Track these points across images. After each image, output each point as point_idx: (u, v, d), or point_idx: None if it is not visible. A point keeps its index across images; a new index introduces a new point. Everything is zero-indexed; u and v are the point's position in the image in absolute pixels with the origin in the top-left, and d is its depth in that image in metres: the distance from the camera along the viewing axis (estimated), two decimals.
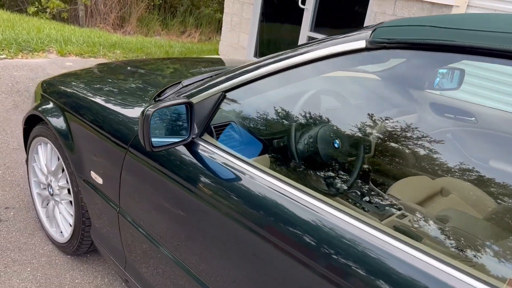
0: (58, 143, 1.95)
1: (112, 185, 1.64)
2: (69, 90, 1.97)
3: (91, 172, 1.76)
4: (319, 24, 5.87)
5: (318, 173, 1.30)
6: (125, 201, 1.59)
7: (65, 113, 1.88)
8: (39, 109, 2.04)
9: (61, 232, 2.14)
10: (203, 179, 1.26)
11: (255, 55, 6.84)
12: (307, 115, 1.50)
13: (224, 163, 1.25)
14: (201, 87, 1.41)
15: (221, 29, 7.34)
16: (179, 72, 2.35)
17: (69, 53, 6.14)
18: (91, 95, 1.83)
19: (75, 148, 1.82)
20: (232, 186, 1.18)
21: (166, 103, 1.24)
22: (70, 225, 2.06)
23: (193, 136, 1.34)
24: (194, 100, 1.35)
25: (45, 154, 2.16)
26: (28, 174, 2.35)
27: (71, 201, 2.08)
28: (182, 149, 1.35)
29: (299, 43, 6.11)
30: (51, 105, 2.00)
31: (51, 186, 2.14)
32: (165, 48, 7.22)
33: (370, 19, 5.12)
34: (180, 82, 1.83)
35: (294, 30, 6.13)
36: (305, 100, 1.51)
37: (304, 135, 1.37)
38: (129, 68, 2.36)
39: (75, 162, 1.83)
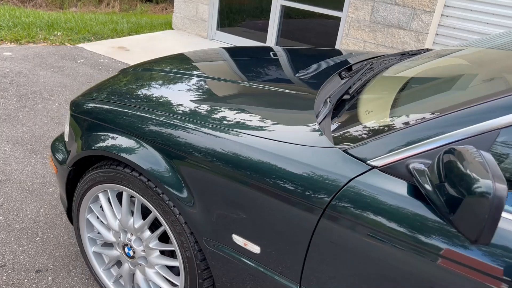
0: (151, 194, 1.41)
1: (285, 256, 1.18)
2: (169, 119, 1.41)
3: (234, 236, 1.27)
4: None
5: None
6: (312, 279, 1.16)
7: (170, 155, 1.34)
8: (106, 146, 1.46)
9: None
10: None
11: (217, 28, 6.23)
12: None
13: None
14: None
15: None
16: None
17: (1, 40, 5.08)
18: (229, 128, 1.30)
19: (196, 202, 1.31)
20: None
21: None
22: None
23: None
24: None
25: (116, 206, 1.59)
26: (77, 228, 1.75)
27: (168, 266, 1.56)
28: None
29: (271, 11, 5.63)
30: (129, 140, 1.43)
31: (130, 246, 1.59)
32: (108, 25, 6.30)
33: None
34: (326, 100, 1.37)
35: None
36: None
37: None
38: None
39: (197, 221, 1.32)
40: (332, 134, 1.20)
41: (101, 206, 1.69)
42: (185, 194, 1.32)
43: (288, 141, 1.20)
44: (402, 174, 1.02)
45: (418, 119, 1.06)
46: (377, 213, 1.01)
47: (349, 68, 1.81)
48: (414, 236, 0.97)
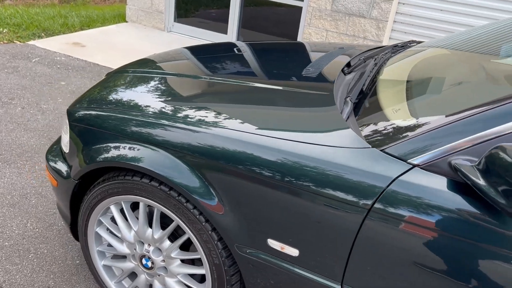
0: (173, 203, 1.38)
1: (327, 257, 1.20)
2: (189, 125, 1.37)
3: (269, 240, 1.28)
4: None
5: None
6: (356, 277, 1.19)
7: (196, 162, 1.31)
8: (121, 156, 1.40)
9: None
10: None
11: (175, 20, 6.09)
12: None
13: None
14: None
15: None
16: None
17: None
18: (254, 125, 1.29)
19: (228, 209, 1.29)
20: None
21: None
22: None
23: None
24: None
25: (131, 217, 1.53)
26: (84, 242, 1.67)
27: (190, 274, 1.54)
28: None
29: (231, 1, 5.57)
30: (146, 149, 1.38)
31: (148, 257, 1.55)
32: (58, 20, 5.96)
33: None
34: (346, 98, 1.39)
35: None
36: None
37: None
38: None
39: (228, 228, 1.31)
40: (363, 134, 1.22)
41: (111, 218, 1.62)
42: (214, 201, 1.30)
43: (322, 143, 1.21)
44: (444, 171, 1.06)
45: (455, 116, 1.10)
46: (422, 212, 1.05)
47: (348, 64, 1.85)
48: (463, 233, 1.02)
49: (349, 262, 1.18)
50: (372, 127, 1.24)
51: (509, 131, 1.01)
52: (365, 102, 1.40)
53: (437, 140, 1.08)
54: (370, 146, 1.16)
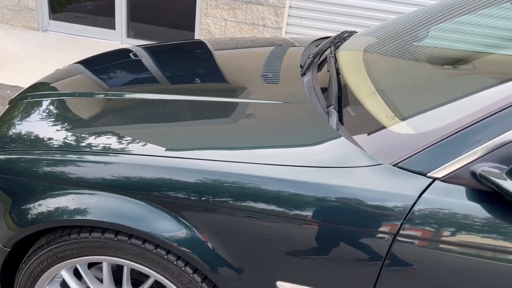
0: (150, 258, 1.13)
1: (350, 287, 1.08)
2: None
3: (278, 283, 1.11)
4: None
5: None
6: None
7: (172, 204, 1.08)
8: (72, 211, 1.11)
9: None
10: None
11: (51, 17, 5.39)
12: None
13: None
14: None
15: None
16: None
17: None
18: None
19: (223, 256, 1.10)
20: None
21: None
22: None
23: None
24: None
25: (91, 279, 1.24)
26: None
27: None
28: None
29: None
30: (81, 195, 1.10)
31: None
32: None
33: None
34: (329, 107, 1.27)
35: None
36: None
37: None
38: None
39: (224, 276, 1.11)
40: (365, 149, 1.11)
41: (62, 283, 1.30)
42: (205, 249, 1.09)
43: (326, 165, 1.07)
44: (467, 181, 1.00)
45: (466, 120, 1.04)
46: (453, 227, 0.99)
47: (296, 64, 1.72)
48: (499, 244, 0.97)
49: (377, 285, 1.08)
50: (373, 140, 1.13)
51: None
52: (349, 110, 1.30)
53: (454, 148, 1.01)
54: (382, 163, 1.05)
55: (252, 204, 1.05)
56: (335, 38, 1.93)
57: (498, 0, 1.67)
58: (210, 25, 4.89)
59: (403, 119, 1.16)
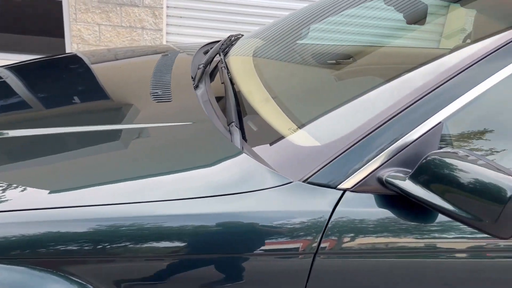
0: None
1: None
2: None
3: None
4: None
5: None
6: None
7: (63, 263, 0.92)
8: None
9: None
10: None
11: None
12: None
13: None
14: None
15: None
16: None
17: None
18: None
19: None
20: None
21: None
22: None
23: None
24: None
25: None
26: None
27: None
28: None
29: None
30: None
31: None
32: None
33: None
34: (230, 125, 1.21)
35: None
36: None
37: None
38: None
39: None
40: (273, 167, 1.07)
41: None
42: None
43: (235, 191, 1.00)
44: (376, 188, 1.01)
45: (366, 127, 1.05)
46: (369, 234, 1.00)
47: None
48: (412, 243, 1.00)
49: None
50: (281, 156, 1.09)
51: (423, 133, 1.01)
52: (251, 125, 1.24)
53: (358, 157, 1.02)
54: (292, 180, 1.02)
55: (155, 244, 0.94)
56: (222, 44, 1.87)
57: None
58: (82, 31, 4.51)
59: (306, 130, 1.14)
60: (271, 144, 1.14)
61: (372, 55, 1.78)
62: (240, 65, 1.62)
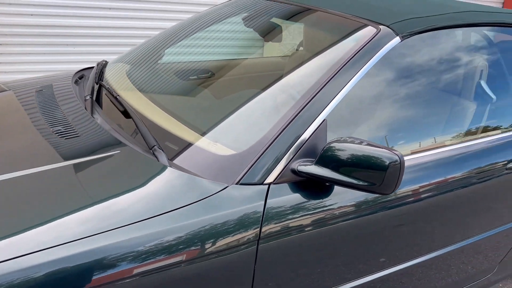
0: None
1: None
2: None
3: None
4: None
5: None
6: None
7: None
8: None
9: None
10: None
11: None
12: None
13: None
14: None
15: None
16: None
17: None
18: None
19: None
20: None
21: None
22: None
23: None
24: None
25: None
26: None
27: None
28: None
29: None
30: None
31: None
32: None
33: None
34: (153, 148, 1.33)
35: None
36: None
37: None
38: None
39: None
40: (206, 177, 1.24)
41: None
42: None
43: (172, 208, 1.14)
44: (291, 178, 1.28)
45: (272, 132, 1.31)
46: (295, 213, 1.26)
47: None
48: (322, 213, 1.30)
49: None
50: (209, 167, 1.27)
51: (316, 127, 1.32)
52: (170, 145, 1.38)
53: (273, 156, 1.27)
54: (227, 185, 1.22)
55: None
56: (96, 73, 1.90)
57: (231, 16, 2.03)
58: None
59: (221, 142, 1.34)
60: (197, 159, 1.31)
61: (238, 67, 2.07)
62: (128, 91, 1.71)
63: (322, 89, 1.38)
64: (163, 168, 1.25)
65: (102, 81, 1.83)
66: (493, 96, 1.90)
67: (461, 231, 1.72)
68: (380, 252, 1.49)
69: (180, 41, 2.07)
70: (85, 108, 1.60)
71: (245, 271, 1.21)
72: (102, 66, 2.01)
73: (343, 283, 1.45)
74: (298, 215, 1.26)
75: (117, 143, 1.36)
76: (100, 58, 2.38)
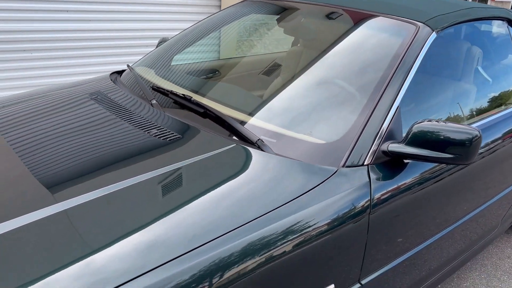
0: None
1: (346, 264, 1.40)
2: None
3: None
4: None
5: None
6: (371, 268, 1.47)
7: None
8: None
9: None
10: None
11: None
12: None
13: None
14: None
15: None
16: None
17: None
18: None
19: None
20: None
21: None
22: None
23: None
24: None
25: None
26: None
27: None
28: None
29: None
30: None
31: None
32: None
33: None
34: (257, 141, 1.46)
35: None
36: None
37: None
38: None
39: None
40: (317, 164, 1.41)
41: None
42: None
43: (309, 188, 1.31)
44: (382, 158, 1.49)
45: (360, 121, 1.50)
46: (392, 184, 1.47)
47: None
48: (436, 179, 1.53)
49: (365, 257, 1.43)
50: (315, 155, 1.44)
51: (393, 114, 1.53)
52: (270, 139, 1.51)
53: (366, 142, 1.47)
54: (337, 168, 1.39)
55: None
56: (142, 79, 1.95)
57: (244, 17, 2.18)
58: None
59: (317, 135, 1.51)
60: (301, 149, 1.46)
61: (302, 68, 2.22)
62: (202, 95, 1.80)
63: (391, 81, 1.60)
64: (271, 158, 1.40)
65: (152, 85, 1.89)
66: None
67: (483, 196, 2.04)
68: (445, 212, 1.76)
69: (228, 38, 2.19)
70: (162, 112, 1.67)
71: (361, 238, 1.39)
72: (142, 70, 2.06)
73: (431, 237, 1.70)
74: (393, 187, 1.47)
75: (226, 142, 1.48)
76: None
